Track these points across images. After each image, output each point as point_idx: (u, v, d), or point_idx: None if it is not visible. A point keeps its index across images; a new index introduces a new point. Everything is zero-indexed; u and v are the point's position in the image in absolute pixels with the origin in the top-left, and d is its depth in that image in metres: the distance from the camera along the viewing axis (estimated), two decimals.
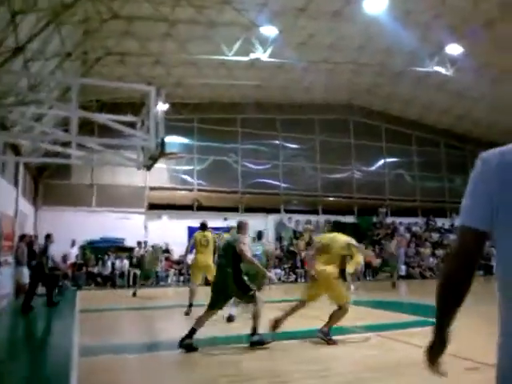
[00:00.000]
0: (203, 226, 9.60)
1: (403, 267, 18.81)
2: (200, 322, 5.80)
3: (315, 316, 8.60)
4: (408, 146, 23.48)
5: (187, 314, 8.53)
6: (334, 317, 6.20)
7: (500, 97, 19.66)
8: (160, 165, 17.33)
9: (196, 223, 18.33)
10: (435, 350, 1.47)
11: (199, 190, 19.66)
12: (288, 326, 6.31)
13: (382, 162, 22.95)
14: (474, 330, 7.06)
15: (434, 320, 1.49)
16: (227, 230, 16.43)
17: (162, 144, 7.91)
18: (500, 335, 1.25)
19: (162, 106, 8.40)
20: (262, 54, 15.04)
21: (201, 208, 19.33)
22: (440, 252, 18.68)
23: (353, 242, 6.67)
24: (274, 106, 20.36)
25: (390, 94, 20.52)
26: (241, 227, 6.46)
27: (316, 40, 15.27)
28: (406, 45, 15.43)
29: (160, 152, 7.97)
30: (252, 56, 15.09)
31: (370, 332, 6.91)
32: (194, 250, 9.73)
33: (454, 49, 15.68)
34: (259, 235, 9.85)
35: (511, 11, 13.20)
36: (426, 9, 13.81)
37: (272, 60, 15.41)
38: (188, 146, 19.94)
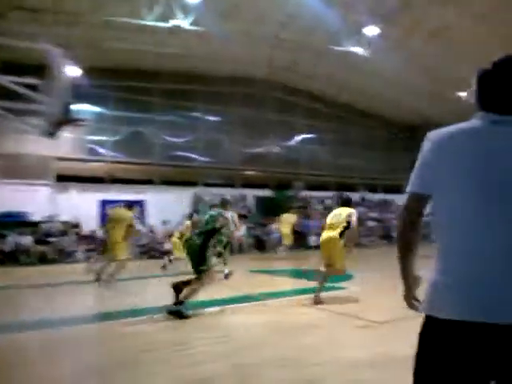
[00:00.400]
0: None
1: (314, 239, 19.78)
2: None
3: (232, 286, 8.84)
4: (324, 123, 24.34)
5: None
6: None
7: (410, 79, 21.03)
8: (70, 134, 16.36)
9: (109, 196, 17.84)
10: (406, 292, 1.76)
11: (113, 162, 18.81)
12: (203, 295, 6.39)
13: (299, 137, 23.60)
14: (363, 295, 7.69)
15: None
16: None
17: (67, 110, 7.45)
18: (433, 271, 1.52)
19: (73, 70, 7.87)
20: (182, 21, 14.60)
21: (114, 181, 18.60)
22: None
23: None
24: (195, 76, 19.84)
25: (309, 72, 20.94)
26: (224, 204, 7.14)
27: (240, 11, 15.10)
28: (327, 23, 15.80)
29: (64, 118, 7.50)
30: (172, 22, 14.60)
31: (276, 298, 7.23)
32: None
33: (372, 30, 16.35)
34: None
35: None
36: None
37: (193, 28, 15.03)
38: (102, 115, 18.91)
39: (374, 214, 23.79)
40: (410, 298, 1.77)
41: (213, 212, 6.59)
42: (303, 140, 23.69)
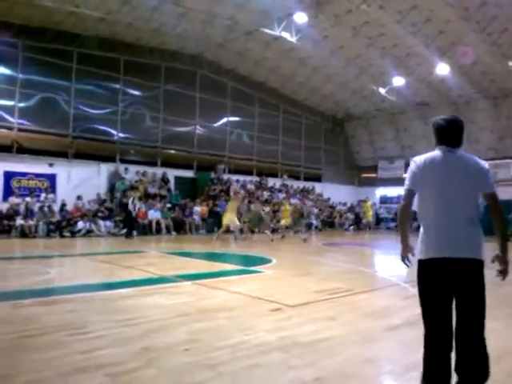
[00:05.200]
0: None
1: None
2: None
3: (146, 267, 8.46)
4: (251, 106, 24.23)
5: None
6: None
7: (335, 70, 21.56)
8: None
9: (15, 167, 16.32)
10: (403, 252, 2.92)
11: (20, 130, 17.08)
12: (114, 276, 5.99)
13: (224, 119, 23.26)
14: (278, 279, 7.75)
15: None
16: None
17: None
18: (422, 234, 2.80)
19: None
20: None
21: (22, 151, 16.98)
22: (267, 209, 19.93)
23: None
24: (119, 44, 18.53)
25: (239, 53, 20.62)
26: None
27: None
28: (258, 3, 15.57)
29: None
30: None
31: (189, 281, 7.01)
32: None
33: (301, 17, 16.43)
34: None
35: None
36: None
37: None
38: (9, 77, 16.97)
39: (294, 201, 24.30)
40: (405, 254, 2.92)
41: None
42: (229, 122, 23.40)
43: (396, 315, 5.12)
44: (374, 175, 28.83)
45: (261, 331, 4.31)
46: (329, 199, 27.00)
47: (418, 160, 2.84)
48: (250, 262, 9.69)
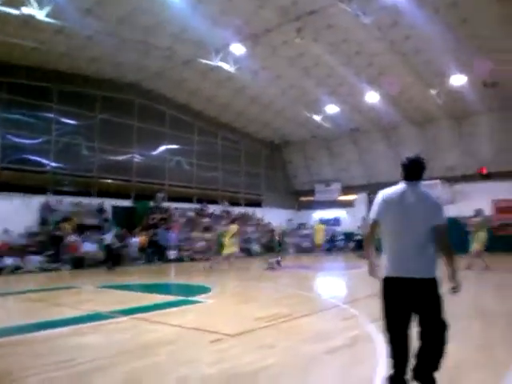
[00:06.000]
0: None
1: (174, 252, 19.45)
2: None
3: (81, 304, 8.06)
4: (190, 134, 24.28)
5: None
6: None
7: (272, 98, 22.26)
8: None
9: None
10: (370, 268, 3.54)
11: None
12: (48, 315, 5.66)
13: (163, 147, 23.07)
14: (218, 308, 7.72)
15: None
16: None
17: None
18: (385, 256, 3.34)
19: None
20: (37, 12, 13.21)
21: None
22: (209, 235, 19.74)
23: None
24: (52, 73, 18.05)
25: (177, 82, 20.72)
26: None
27: (104, 9, 14.25)
28: (195, 34, 15.83)
29: None
30: (24, 10, 13.09)
31: (127, 316, 6.79)
32: None
33: (238, 48, 16.82)
34: None
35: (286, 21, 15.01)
36: (215, 2, 14.40)
37: (50, 21, 13.71)
38: None
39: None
40: (372, 272, 3.55)
41: None
42: (168, 150, 23.23)
43: (336, 337, 5.25)
44: (311, 198, 29.67)
45: (202, 364, 4.27)
46: (269, 223, 27.27)
47: (382, 194, 3.42)
48: (190, 292, 9.56)
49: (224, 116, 25.00)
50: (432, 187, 23.94)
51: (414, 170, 3.41)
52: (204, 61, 17.65)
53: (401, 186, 3.38)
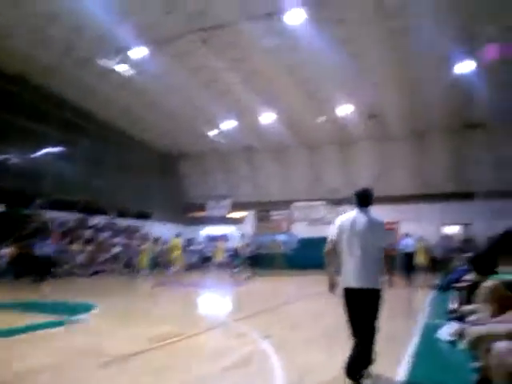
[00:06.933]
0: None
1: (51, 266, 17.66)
2: None
3: None
4: (78, 138, 22.55)
5: None
6: None
7: (171, 108, 21.72)
8: None
9: None
10: (330, 285, 4.13)
11: None
12: None
13: (45, 149, 21.07)
14: (105, 328, 7.21)
15: None
16: None
17: None
18: (341, 273, 4.10)
19: None
20: None
21: None
22: (90, 248, 18.34)
23: None
24: None
25: (69, 80, 19.04)
26: None
27: None
28: (96, 31, 14.89)
29: None
30: None
31: None
32: None
33: (141, 51, 16.05)
34: None
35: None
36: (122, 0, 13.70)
37: None
38: None
39: (119, 240, 23.11)
40: (331, 288, 4.12)
41: None
42: (50, 153, 21.26)
43: (231, 355, 5.19)
44: (202, 213, 29.55)
45: None
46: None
47: (340, 218, 4.21)
48: (72, 311, 8.72)
49: (120, 121, 23.78)
50: (316, 208, 25.54)
51: (364, 198, 4.15)
52: (102, 60, 16.55)
53: (354, 212, 4.12)
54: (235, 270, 17.73)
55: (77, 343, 5.71)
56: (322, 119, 21.27)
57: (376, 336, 3.90)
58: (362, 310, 3.89)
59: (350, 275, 3.95)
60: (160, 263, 21.54)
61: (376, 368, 4.00)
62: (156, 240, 21.11)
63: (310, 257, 23.68)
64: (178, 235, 17.36)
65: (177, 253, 16.11)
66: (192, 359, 5.06)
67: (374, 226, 4.00)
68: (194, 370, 4.60)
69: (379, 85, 18.10)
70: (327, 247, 4.16)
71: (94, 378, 4.30)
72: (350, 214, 4.12)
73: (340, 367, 3.83)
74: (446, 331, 5.91)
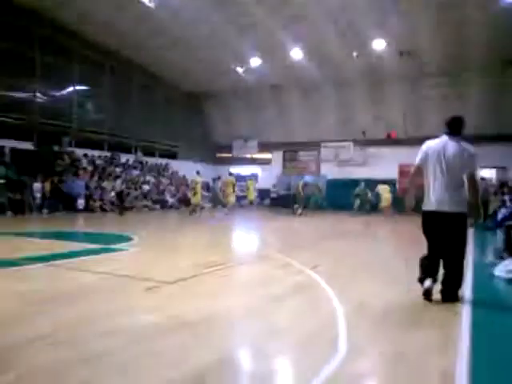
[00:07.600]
0: None
1: (82, 202, 17.93)
2: None
3: None
4: (102, 75, 22.10)
5: None
6: None
7: (195, 43, 20.78)
8: None
9: None
10: (407, 200, 4.60)
11: None
12: None
13: (71, 88, 20.79)
14: (145, 256, 7.18)
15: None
16: None
17: None
18: (426, 194, 4.32)
19: None
20: None
21: None
22: (118, 185, 18.37)
23: None
24: None
25: (85, 13, 18.33)
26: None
27: None
28: None
29: None
30: None
31: (41, 263, 5.94)
32: None
33: None
34: None
35: None
36: None
37: None
38: None
39: (149, 178, 23.27)
40: (409, 204, 4.53)
41: None
42: (76, 91, 20.99)
43: (277, 285, 4.99)
44: (229, 154, 29.24)
45: (143, 313, 3.75)
46: (184, 177, 26.40)
47: (428, 143, 4.32)
48: (110, 241, 8.73)
49: (141, 58, 23.02)
50: (345, 148, 24.88)
51: (456, 126, 4.23)
52: None
53: (444, 137, 4.24)
54: (295, 207, 18.65)
55: (120, 269, 5.62)
56: (354, 54, 20.04)
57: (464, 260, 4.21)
58: (447, 234, 4.11)
59: (436, 199, 4.14)
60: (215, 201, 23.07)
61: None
62: (214, 180, 23.59)
63: (338, 198, 23.54)
64: (198, 172, 17.35)
65: (229, 190, 17.30)
66: (243, 285, 4.93)
67: (465, 153, 4.10)
68: (241, 298, 4.41)
69: (413, 18, 16.73)
70: (412, 171, 4.45)
71: (142, 301, 4.17)
72: (439, 140, 4.23)
73: (399, 295, 3.95)
74: (503, 268, 5.60)
